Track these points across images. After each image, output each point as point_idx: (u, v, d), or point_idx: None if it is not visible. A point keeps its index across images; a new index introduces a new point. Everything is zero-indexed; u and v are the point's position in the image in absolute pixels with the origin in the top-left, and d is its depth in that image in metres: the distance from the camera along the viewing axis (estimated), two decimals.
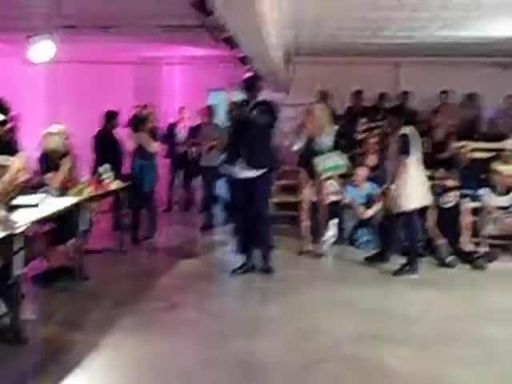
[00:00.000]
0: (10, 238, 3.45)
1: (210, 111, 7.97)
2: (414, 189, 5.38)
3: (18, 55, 6.79)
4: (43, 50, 7.07)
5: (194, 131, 8.03)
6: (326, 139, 5.96)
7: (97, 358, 3.36)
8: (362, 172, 6.81)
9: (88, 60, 8.68)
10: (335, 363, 3.36)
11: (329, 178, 6.18)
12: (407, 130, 5.47)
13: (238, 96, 5.45)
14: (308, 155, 5.96)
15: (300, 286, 4.99)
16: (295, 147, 6.13)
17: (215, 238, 7.09)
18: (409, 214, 5.45)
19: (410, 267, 5.42)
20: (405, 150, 5.34)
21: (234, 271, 5.21)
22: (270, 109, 5.13)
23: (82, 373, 3.16)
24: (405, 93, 8.86)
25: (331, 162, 5.92)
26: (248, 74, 5.68)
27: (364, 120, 7.90)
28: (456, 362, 3.39)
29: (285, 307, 4.28)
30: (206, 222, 7.40)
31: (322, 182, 6.07)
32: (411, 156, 5.37)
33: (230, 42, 6.36)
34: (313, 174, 6.02)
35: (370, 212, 6.60)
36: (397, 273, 5.39)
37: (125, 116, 7.33)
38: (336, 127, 6.03)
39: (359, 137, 7.76)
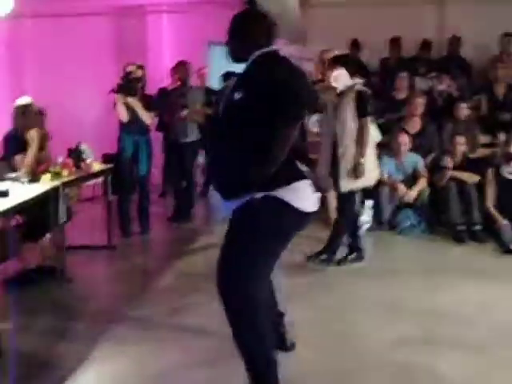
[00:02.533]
0: None
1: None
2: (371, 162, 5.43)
3: None
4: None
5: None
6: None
7: (83, 373, 3.49)
8: (403, 139, 6.86)
9: (55, 13, 8.75)
10: (376, 372, 3.46)
11: None
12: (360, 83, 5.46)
13: None
14: None
15: (332, 282, 5.07)
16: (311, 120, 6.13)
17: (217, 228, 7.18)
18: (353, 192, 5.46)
19: (356, 254, 5.51)
20: (366, 110, 5.35)
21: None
22: None
23: None
24: (453, 39, 8.83)
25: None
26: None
27: (404, 74, 7.91)
28: None
29: (315, 309, 4.33)
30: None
31: None
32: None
33: None
34: None
35: (413, 193, 6.69)
36: (340, 262, 5.48)
37: (105, 80, 7.38)
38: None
39: (400, 96, 7.76)
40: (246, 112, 2.76)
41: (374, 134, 5.64)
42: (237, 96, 2.80)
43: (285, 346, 3.62)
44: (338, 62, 5.47)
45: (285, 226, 2.89)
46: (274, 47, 2.92)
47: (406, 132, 7.04)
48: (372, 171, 5.44)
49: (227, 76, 4.45)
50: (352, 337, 3.97)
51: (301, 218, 2.89)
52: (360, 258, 5.51)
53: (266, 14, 3.02)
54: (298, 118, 2.84)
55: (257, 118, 2.72)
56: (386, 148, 6.85)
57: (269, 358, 2.86)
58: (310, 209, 2.89)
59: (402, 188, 6.72)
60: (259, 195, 2.79)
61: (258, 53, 2.88)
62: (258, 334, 2.84)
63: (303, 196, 2.85)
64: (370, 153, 5.42)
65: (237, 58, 3.00)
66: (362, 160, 5.25)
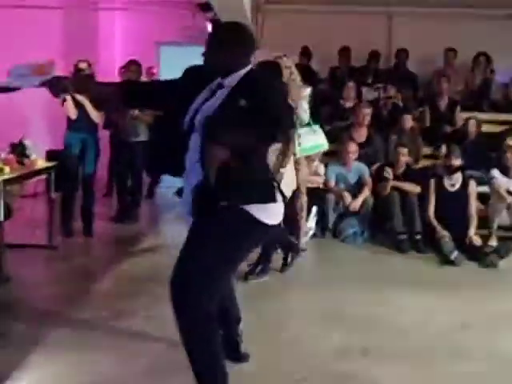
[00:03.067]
0: None
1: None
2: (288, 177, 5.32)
3: None
4: None
5: None
6: (301, 106, 5.69)
7: (19, 380, 3.35)
8: (351, 148, 6.87)
9: (4, 4, 8.49)
10: (318, 382, 3.43)
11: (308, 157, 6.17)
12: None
13: None
14: None
15: (276, 289, 5.05)
16: None
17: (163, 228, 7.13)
18: None
19: (261, 268, 5.39)
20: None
21: None
22: None
23: None
24: (400, 51, 8.93)
25: (309, 142, 5.76)
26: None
27: (351, 84, 7.96)
28: (461, 380, 3.50)
29: (257, 317, 4.26)
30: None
31: (299, 162, 6.02)
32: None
33: None
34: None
35: (359, 201, 6.71)
36: (247, 276, 5.25)
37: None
38: (308, 89, 5.80)
39: (347, 104, 7.81)
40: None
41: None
42: (242, 103, 2.71)
43: (238, 355, 3.57)
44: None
45: (251, 238, 2.89)
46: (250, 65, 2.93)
47: (354, 140, 7.06)
48: (288, 186, 5.34)
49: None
50: (294, 345, 3.93)
51: (266, 231, 2.89)
52: (265, 271, 5.34)
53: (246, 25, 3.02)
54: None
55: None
56: (334, 155, 6.86)
57: (220, 371, 2.80)
58: (276, 222, 2.89)
59: (347, 196, 6.74)
60: (229, 205, 2.74)
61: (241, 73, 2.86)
62: (210, 348, 2.79)
63: (273, 213, 2.85)
64: (290, 168, 5.33)
65: (226, 70, 2.88)
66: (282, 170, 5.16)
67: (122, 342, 3.90)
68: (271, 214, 2.84)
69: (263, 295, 4.85)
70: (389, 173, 6.67)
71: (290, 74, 5.50)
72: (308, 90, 5.73)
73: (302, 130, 5.60)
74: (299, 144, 5.61)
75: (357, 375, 3.51)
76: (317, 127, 5.77)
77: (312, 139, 5.72)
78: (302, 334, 4.15)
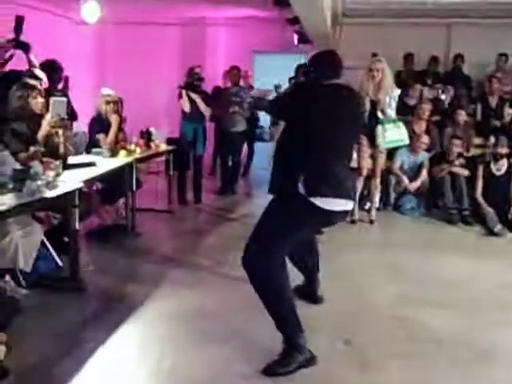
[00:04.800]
0: (67, 195, 3.75)
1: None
2: None
3: (68, 17, 7.07)
4: (91, 10, 7.37)
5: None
6: (390, 104, 5.65)
7: (150, 306, 3.65)
8: (424, 140, 6.81)
9: (134, 21, 8.89)
10: (379, 322, 3.54)
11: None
12: None
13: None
14: (371, 123, 5.58)
15: (349, 249, 5.12)
16: None
17: (257, 201, 7.28)
18: None
19: None
20: None
21: None
22: None
23: (136, 321, 3.45)
24: (457, 56, 8.75)
25: (394, 136, 5.71)
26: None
27: (418, 86, 7.88)
28: (500, 325, 3.54)
29: (332, 268, 4.35)
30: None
31: (380, 151, 5.94)
32: None
33: (280, 2, 6.45)
34: (373, 142, 5.79)
35: (418, 183, 6.68)
36: None
37: (171, 77, 7.50)
38: (399, 90, 5.70)
39: (411, 102, 7.75)
40: None
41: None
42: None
43: (315, 298, 3.73)
44: None
45: (310, 222, 2.98)
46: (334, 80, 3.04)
47: (415, 132, 7.01)
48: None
49: (276, 88, 4.62)
50: (359, 292, 4.05)
51: (328, 217, 2.94)
52: None
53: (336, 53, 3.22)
54: None
55: None
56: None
57: (289, 310, 2.90)
58: (339, 209, 2.92)
59: (405, 180, 6.70)
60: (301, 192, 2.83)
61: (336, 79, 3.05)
62: (277, 296, 2.88)
63: (333, 203, 2.88)
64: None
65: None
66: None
67: (222, 283, 4.14)
68: (331, 204, 2.86)
69: (338, 252, 4.93)
70: (449, 159, 6.61)
71: (383, 74, 5.54)
72: (397, 92, 5.67)
73: (387, 126, 5.61)
74: (385, 137, 5.65)
75: (414, 319, 3.57)
76: (400, 124, 5.71)
77: (396, 134, 5.70)
78: (369, 283, 4.25)
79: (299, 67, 7.72)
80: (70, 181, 3.89)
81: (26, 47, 4.93)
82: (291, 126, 3.04)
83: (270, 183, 3.09)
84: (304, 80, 3.37)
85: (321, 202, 2.84)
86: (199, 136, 6.80)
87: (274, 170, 3.11)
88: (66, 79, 5.79)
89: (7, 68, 4.85)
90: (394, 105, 5.64)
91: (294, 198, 2.88)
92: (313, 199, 2.84)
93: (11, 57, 5.05)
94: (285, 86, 4.72)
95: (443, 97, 7.86)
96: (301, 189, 2.84)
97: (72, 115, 5.34)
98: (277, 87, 4.55)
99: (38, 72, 4.83)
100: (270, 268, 2.86)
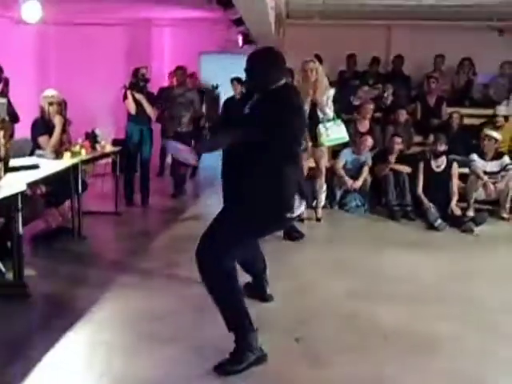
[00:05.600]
0: (9, 199, 3.62)
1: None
2: None
3: (8, 16, 6.82)
4: (31, 10, 7.12)
5: None
6: (327, 103, 5.69)
7: (98, 311, 3.57)
8: (369, 142, 6.93)
9: (78, 22, 8.69)
10: (328, 318, 3.58)
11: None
12: None
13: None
14: (311, 123, 5.50)
15: (296, 246, 5.18)
16: None
17: (206, 202, 7.27)
18: None
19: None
20: None
21: None
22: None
23: (85, 325, 3.37)
24: (397, 57, 8.96)
25: (335, 134, 5.74)
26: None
27: (364, 86, 8.03)
28: (442, 317, 3.63)
29: (280, 266, 4.39)
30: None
31: (323, 149, 5.97)
32: None
33: (224, 3, 6.43)
34: (315, 141, 5.79)
35: (359, 183, 6.79)
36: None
37: (116, 78, 7.37)
38: (332, 90, 5.76)
39: (355, 102, 7.88)
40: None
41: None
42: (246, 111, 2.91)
43: (265, 296, 3.73)
44: None
45: (270, 225, 3.02)
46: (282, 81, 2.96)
47: (358, 131, 7.15)
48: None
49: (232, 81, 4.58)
50: (309, 289, 4.09)
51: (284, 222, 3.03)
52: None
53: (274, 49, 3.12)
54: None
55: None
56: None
57: (240, 309, 2.90)
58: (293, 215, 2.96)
59: (347, 180, 6.80)
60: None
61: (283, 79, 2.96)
62: (229, 295, 2.88)
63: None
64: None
65: (261, 88, 2.97)
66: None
67: (172, 285, 4.09)
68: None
69: (287, 250, 4.98)
70: (390, 158, 6.78)
71: (317, 75, 5.58)
72: (332, 91, 5.73)
73: (328, 124, 5.65)
74: (327, 135, 5.69)
75: (361, 313, 3.64)
76: (339, 122, 5.76)
77: (336, 132, 5.73)
78: (316, 280, 4.29)
79: (233, 80, 7.61)
80: (13, 184, 3.75)
81: None
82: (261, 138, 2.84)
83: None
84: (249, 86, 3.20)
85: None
86: (145, 138, 6.72)
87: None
88: (6, 81, 5.59)
89: None
90: (330, 104, 5.71)
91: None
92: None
93: None
94: (222, 85, 4.62)
95: (386, 94, 8.03)
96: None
97: (13, 117, 5.15)
98: (215, 87, 4.55)
99: None
100: (222, 262, 2.84)
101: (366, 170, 6.87)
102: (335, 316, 3.63)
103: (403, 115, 7.52)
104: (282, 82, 2.98)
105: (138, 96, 6.52)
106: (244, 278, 3.60)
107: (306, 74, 5.63)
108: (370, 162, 6.94)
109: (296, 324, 3.47)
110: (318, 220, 6.20)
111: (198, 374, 2.83)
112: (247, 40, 8.92)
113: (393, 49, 9.16)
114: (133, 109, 6.57)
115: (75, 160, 5.09)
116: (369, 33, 8.91)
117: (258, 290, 3.77)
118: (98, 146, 5.83)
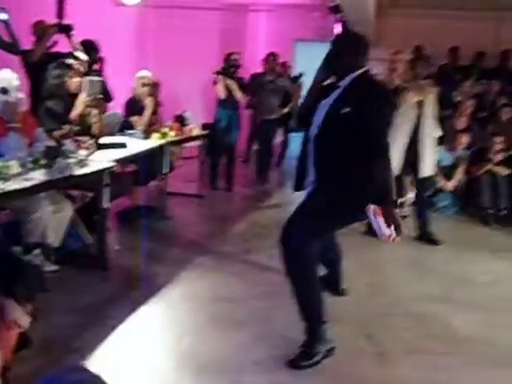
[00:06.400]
0: (99, 173, 3.84)
1: None
2: None
3: None
4: None
5: None
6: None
7: (173, 289, 3.72)
8: (464, 140, 6.67)
9: (175, 5, 8.92)
10: (400, 318, 3.53)
11: None
12: None
13: None
14: None
15: (374, 243, 4.96)
16: None
17: (289, 191, 7.22)
18: None
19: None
20: None
21: None
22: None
23: (159, 301, 3.53)
24: (504, 52, 8.50)
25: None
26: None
27: (467, 82, 7.70)
28: None
29: (358, 263, 4.35)
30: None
31: None
32: None
33: None
34: None
35: (453, 184, 6.53)
36: None
37: (209, 63, 7.51)
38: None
39: (458, 98, 7.56)
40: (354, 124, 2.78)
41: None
42: (344, 111, 2.80)
43: (339, 291, 3.73)
44: None
45: (350, 216, 3.00)
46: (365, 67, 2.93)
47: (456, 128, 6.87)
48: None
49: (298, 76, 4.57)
50: (384, 288, 4.04)
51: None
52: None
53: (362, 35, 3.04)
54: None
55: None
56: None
57: (317, 299, 2.92)
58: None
59: (443, 181, 6.51)
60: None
61: (354, 74, 2.88)
62: (309, 284, 2.91)
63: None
64: None
65: (341, 72, 2.94)
66: None
67: (248, 270, 4.17)
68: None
69: (367, 246, 4.88)
70: (489, 156, 6.47)
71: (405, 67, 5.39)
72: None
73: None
74: None
75: (433, 316, 3.57)
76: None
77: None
78: (392, 278, 4.25)
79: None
80: (102, 160, 3.97)
81: (68, 29, 5.05)
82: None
83: None
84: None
85: None
86: (233, 123, 6.80)
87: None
88: (102, 60, 5.87)
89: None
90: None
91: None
92: None
93: (56, 42, 5.18)
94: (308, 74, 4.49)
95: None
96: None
97: (107, 96, 5.42)
98: (298, 76, 4.49)
99: (80, 54, 4.94)
100: (306, 249, 2.86)
101: (461, 170, 6.60)
102: (407, 316, 3.57)
103: (506, 113, 7.13)
104: (365, 68, 2.94)
105: (229, 81, 6.63)
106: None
107: (394, 65, 5.47)
108: (465, 162, 6.66)
109: (367, 320, 3.45)
110: (404, 218, 6.04)
111: (265, 363, 2.87)
112: (345, 28, 8.79)
113: (502, 43, 8.70)
114: (222, 94, 6.66)
115: (163, 141, 5.27)
116: (475, 25, 8.52)
117: (333, 283, 3.75)
118: (185, 129, 5.98)
